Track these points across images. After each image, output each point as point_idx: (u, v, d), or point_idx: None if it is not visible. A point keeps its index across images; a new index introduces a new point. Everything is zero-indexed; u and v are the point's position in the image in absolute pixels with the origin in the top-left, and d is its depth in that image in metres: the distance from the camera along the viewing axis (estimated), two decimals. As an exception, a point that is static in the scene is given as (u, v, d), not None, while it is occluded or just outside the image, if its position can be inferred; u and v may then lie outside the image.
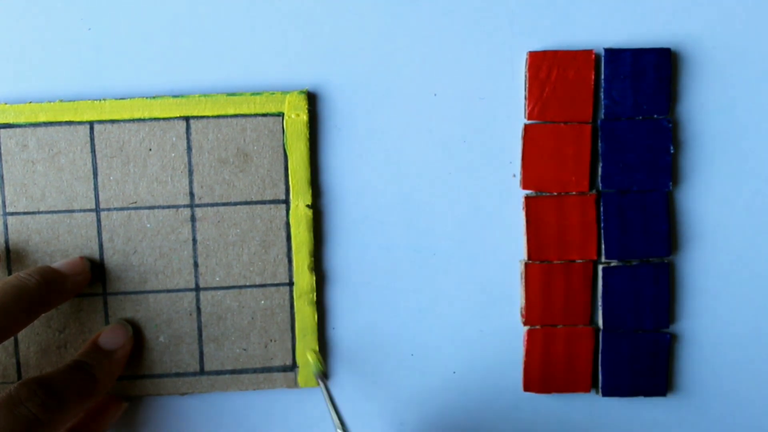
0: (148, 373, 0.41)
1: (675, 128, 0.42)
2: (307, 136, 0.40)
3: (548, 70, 0.41)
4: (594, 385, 0.42)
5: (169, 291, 0.41)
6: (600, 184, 0.41)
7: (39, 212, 0.40)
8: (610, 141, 0.41)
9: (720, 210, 0.42)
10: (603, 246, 0.41)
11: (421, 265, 0.42)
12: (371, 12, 0.41)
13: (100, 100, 0.40)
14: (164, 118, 0.40)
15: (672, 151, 0.41)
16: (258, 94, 0.40)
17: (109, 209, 0.40)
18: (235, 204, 0.40)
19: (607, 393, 0.42)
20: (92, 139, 0.40)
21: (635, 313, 0.41)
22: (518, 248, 0.42)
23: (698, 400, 0.42)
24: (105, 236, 0.40)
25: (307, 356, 0.41)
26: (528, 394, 0.42)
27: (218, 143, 0.40)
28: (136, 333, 0.41)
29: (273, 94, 0.40)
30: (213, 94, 0.40)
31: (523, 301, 0.41)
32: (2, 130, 0.40)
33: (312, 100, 0.41)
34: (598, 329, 0.42)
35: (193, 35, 0.40)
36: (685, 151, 0.42)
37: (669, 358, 0.42)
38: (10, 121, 0.39)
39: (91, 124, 0.40)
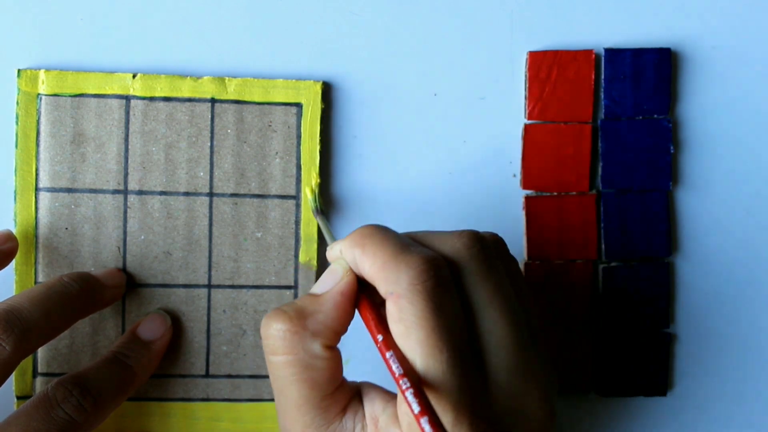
0: (156, 373, 0.40)
1: (675, 128, 0.42)
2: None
3: (548, 70, 0.41)
4: (594, 385, 0.42)
5: (186, 287, 0.40)
6: (600, 184, 0.41)
7: (72, 190, 0.39)
8: (610, 141, 0.41)
9: (720, 210, 0.42)
10: (603, 246, 0.41)
11: (421, 265, 0.41)
12: (370, 13, 0.41)
13: (132, 74, 0.39)
14: (192, 98, 0.40)
15: (672, 151, 0.41)
16: (285, 81, 0.40)
17: (133, 192, 0.40)
18: (250, 197, 0.40)
19: (607, 393, 0.42)
20: (127, 113, 0.39)
21: (635, 313, 0.41)
22: (518, 248, 0.42)
23: (698, 400, 0.42)
24: (130, 222, 0.40)
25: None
26: (528, 394, 0.42)
27: (240, 129, 0.40)
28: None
29: (297, 82, 0.40)
30: (241, 78, 0.40)
31: (523, 301, 0.41)
32: (46, 97, 0.39)
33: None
34: (598, 329, 0.42)
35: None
36: (685, 151, 0.42)
37: (669, 358, 0.42)
38: (57, 92, 0.39)
39: (127, 98, 0.39)
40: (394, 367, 0.30)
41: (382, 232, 0.32)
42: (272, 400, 0.40)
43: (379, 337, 0.31)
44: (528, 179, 0.41)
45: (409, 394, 0.29)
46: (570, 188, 0.41)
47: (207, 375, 0.40)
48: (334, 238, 0.37)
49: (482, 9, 0.41)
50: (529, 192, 0.41)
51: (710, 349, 0.42)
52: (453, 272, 0.31)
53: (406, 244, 0.31)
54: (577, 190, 0.41)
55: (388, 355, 0.31)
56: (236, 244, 0.40)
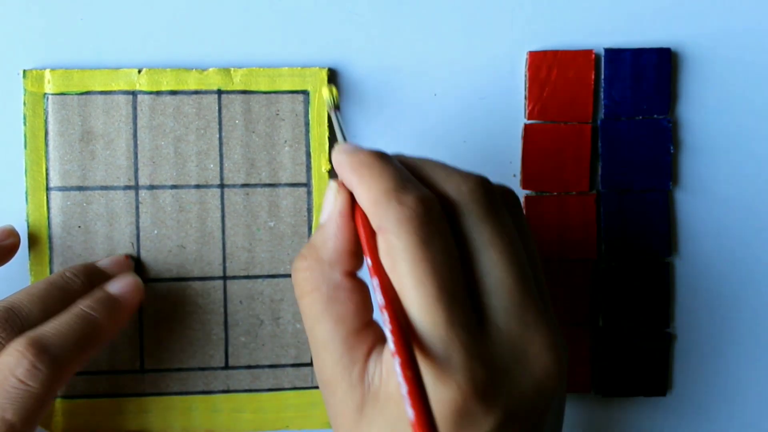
0: (176, 367, 0.40)
1: (675, 128, 0.42)
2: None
3: (548, 70, 0.41)
4: (594, 385, 0.42)
5: (201, 279, 0.40)
6: (600, 184, 0.41)
7: (83, 188, 0.40)
8: (610, 141, 0.41)
9: (720, 210, 0.42)
10: (603, 246, 0.41)
11: (421, 264, 0.41)
12: (370, 13, 0.41)
13: (138, 69, 0.40)
14: (199, 91, 0.40)
15: (672, 151, 0.41)
16: (290, 69, 0.40)
17: (144, 187, 0.40)
18: (262, 186, 0.40)
19: (607, 393, 0.42)
20: (134, 108, 0.40)
21: (635, 313, 0.41)
22: (518, 248, 0.42)
23: (697, 400, 0.42)
24: (142, 218, 0.40)
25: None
26: (528, 393, 0.42)
27: (247, 120, 0.40)
28: (165, 324, 0.40)
29: (303, 70, 0.40)
30: (247, 68, 0.40)
31: (523, 301, 0.41)
32: (52, 96, 0.39)
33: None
34: (598, 329, 0.42)
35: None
36: (685, 151, 0.42)
37: (669, 358, 0.42)
38: (63, 90, 0.39)
39: (134, 93, 0.40)
40: (377, 295, 0.29)
41: (381, 163, 0.30)
42: (292, 389, 0.41)
43: (368, 261, 0.30)
44: (528, 179, 0.41)
45: (387, 331, 0.28)
46: (570, 188, 0.41)
47: (227, 367, 0.40)
48: (345, 138, 0.35)
49: (482, 9, 0.41)
50: (529, 192, 0.41)
51: (710, 349, 0.42)
52: (451, 214, 0.30)
53: (404, 181, 0.30)
54: (577, 190, 0.41)
55: (373, 282, 0.29)
56: (249, 235, 0.40)
